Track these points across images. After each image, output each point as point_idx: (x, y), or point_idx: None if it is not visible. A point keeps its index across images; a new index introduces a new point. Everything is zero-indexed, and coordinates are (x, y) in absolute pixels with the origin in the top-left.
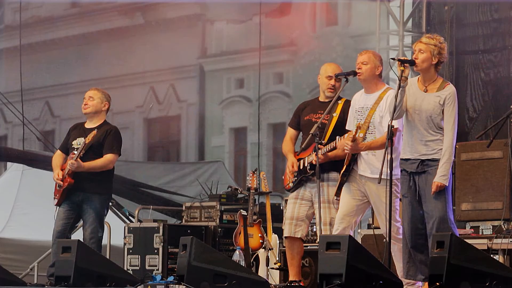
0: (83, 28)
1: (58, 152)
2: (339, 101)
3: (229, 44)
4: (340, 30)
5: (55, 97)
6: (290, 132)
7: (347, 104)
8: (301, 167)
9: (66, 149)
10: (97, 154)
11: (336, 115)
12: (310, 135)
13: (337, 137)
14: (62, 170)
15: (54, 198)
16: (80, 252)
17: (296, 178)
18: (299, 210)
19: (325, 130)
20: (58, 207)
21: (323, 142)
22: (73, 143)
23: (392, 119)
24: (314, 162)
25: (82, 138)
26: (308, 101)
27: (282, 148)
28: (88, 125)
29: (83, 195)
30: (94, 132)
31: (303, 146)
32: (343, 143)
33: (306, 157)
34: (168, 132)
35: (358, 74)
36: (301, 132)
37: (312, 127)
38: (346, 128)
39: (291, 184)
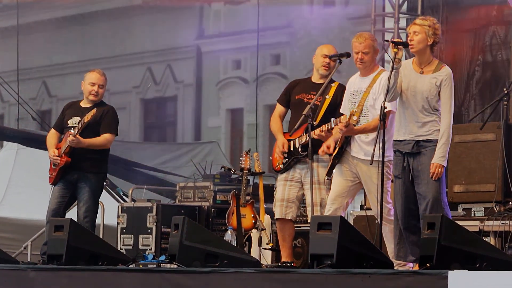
0: (81, 8)
1: (53, 130)
2: (332, 84)
3: (227, 25)
4: (337, 12)
5: (52, 77)
6: (279, 108)
7: (340, 87)
8: (292, 148)
9: (61, 128)
10: (93, 133)
11: (329, 97)
12: (303, 116)
13: (332, 119)
14: (57, 149)
15: (49, 177)
16: (72, 231)
17: (287, 159)
18: (289, 192)
19: (317, 112)
20: (53, 186)
21: (314, 123)
22: (68, 122)
23: (385, 101)
24: (316, 137)
25: (78, 117)
26: (300, 79)
27: (270, 125)
28: (84, 104)
29: (78, 174)
30: (94, 111)
31: (295, 127)
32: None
33: (297, 138)
34: (165, 113)
35: (360, 64)
36: (290, 111)
37: (303, 107)
38: (341, 111)
39: (281, 166)
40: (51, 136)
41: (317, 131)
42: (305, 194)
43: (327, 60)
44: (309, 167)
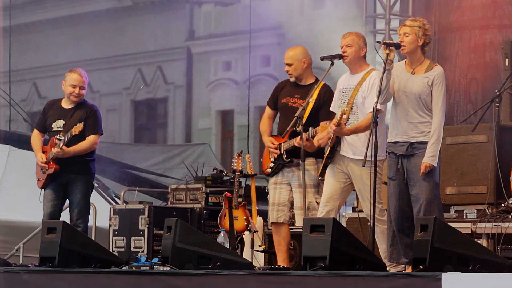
0: (72, 10)
1: (36, 131)
2: (316, 86)
3: (217, 27)
4: (327, 13)
5: (42, 78)
6: (268, 111)
7: (324, 88)
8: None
9: (44, 128)
10: (78, 136)
11: (312, 100)
12: (295, 117)
13: (310, 128)
14: (44, 152)
15: (38, 180)
16: (65, 233)
17: (273, 164)
18: (279, 196)
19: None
20: (43, 190)
21: (297, 130)
22: (52, 125)
23: (377, 102)
24: (297, 145)
25: (62, 120)
26: (287, 81)
27: (259, 127)
28: (65, 105)
29: (68, 176)
30: (81, 126)
31: (287, 128)
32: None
33: (282, 144)
34: (155, 114)
35: (344, 58)
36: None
37: (287, 111)
38: (331, 109)
39: (269, 170)
40: (35, 138)
41: (297, 139)
42: (293, 197)
43: (287, 68)
44: (295, 171)
